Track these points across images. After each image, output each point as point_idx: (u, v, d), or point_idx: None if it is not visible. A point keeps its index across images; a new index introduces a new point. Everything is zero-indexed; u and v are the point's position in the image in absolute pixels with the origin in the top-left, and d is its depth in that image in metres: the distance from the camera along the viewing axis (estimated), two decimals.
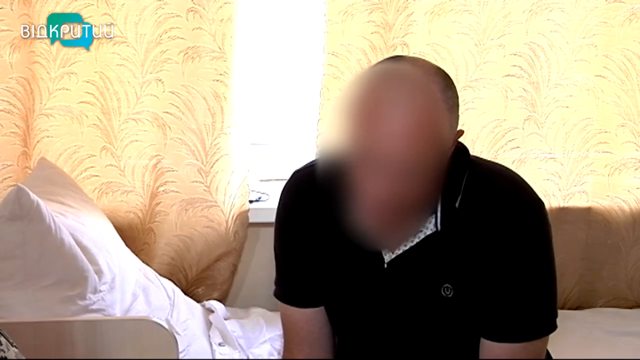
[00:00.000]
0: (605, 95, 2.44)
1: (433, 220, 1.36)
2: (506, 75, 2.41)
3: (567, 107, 2.44)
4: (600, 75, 2.43)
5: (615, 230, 2.52)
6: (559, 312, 2.41)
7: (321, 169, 1.43)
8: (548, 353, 1.60)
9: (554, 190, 2.49)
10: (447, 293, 1.38)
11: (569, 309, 2.54)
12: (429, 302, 1.39)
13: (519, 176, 1.45)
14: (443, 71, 1.31)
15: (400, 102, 1.23)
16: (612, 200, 2.51)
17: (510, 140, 2.45)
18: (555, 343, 1.71)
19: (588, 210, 2.51)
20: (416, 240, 1.38)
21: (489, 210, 1.35)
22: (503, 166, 1.49)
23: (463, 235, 1.35)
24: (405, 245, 1.38)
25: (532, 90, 2.43)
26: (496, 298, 1.37)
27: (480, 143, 2.43)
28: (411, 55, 2.36)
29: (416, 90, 1.25)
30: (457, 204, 1.35)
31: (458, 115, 1.30)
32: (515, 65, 2.41)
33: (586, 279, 2.55)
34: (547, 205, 2.43)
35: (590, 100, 2.45)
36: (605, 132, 2.47)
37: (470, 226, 1.35)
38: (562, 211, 2.50)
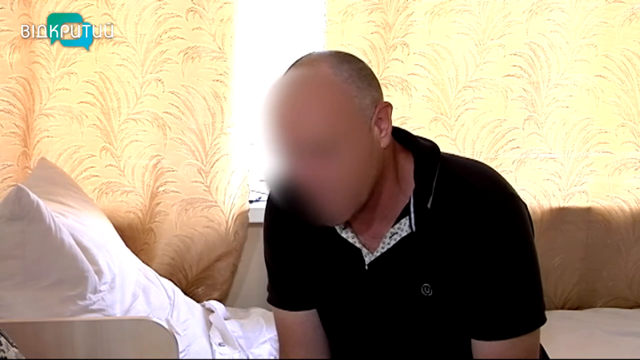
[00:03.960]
0: (605, 95, 2.44)
1: (408, 222, 1.37)
2: (506, 75, 2.41)
3: (567, 107, 2.44)
4: (600, 75, 2.43)
5: (615, 230, 2.52)
6: (559, 312, 2.46)
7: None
8: (545, 353, 1.59)
9: (554, 190, 2.49)
10: (427, 292, 1.39)
11: (569, 309, 2.54)
12: (410, 302, 1.40)
13: (490, 170, 1.45)
14: (342, 52, 1.38)
15: (292, 87, 1.32)
16: (612, 200, 2.51)
17: (510, 141, 2.45)
18: (555, 343, 1.72)
19: (588, 210, 2.51)
20: (392, 242, 1.39)
21: (461, 208, 1.35)
22: (474, 161, 1.50)
23: (438, 234, 1.36)
24: (383, 248, 1.40)
25: (532, 90, 2.42)
26: (478, 296, 1.37)
27: (480, 143, 2.43)
28: (410, 55, 2.37)
29: (304, 74, 1.32)
30: (429, 205, 1.36)
31: (372, 87, 1.33)
32: (515, 65, 2.41)
33: (586, 279, 2.55)
34: (547, 206, 2.48)
35: (590, 100, 2.45)
36: (605, 132, 2.47)
37: (445, 225, 1.36)
38: (562, 211, 2.50)
